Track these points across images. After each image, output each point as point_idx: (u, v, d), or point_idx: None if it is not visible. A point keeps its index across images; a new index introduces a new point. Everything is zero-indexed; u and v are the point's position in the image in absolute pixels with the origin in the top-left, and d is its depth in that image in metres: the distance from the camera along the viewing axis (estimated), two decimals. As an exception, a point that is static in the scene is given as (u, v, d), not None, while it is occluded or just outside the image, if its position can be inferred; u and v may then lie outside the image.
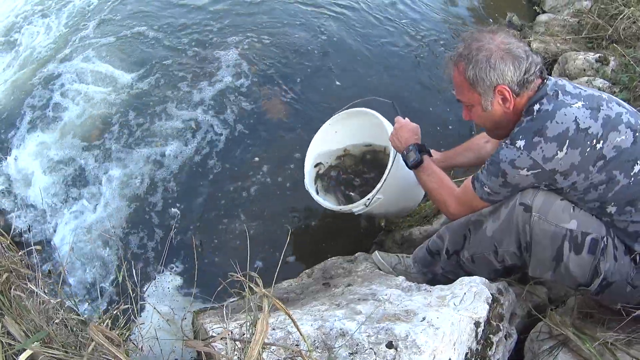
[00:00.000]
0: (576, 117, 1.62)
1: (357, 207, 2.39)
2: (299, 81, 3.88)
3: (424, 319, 1.52)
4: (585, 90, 1.73)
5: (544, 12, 4.99)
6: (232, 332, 1.26)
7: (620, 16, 4.03)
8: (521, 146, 1.68)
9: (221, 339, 1.23)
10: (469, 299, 1.68)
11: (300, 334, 1.17)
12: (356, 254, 2.39)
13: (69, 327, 1.62)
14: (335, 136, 2.89)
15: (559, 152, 1.63)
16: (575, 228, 1.68)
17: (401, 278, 1.92)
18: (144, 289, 2.57)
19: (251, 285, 1.11)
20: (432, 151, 2.46)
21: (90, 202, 3.06)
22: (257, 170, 3.23)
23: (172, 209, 3.01)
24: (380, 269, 2.22)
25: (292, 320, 1.12)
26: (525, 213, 1.74)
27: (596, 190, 1.67)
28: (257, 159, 3.31)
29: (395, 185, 2.38)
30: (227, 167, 3.26)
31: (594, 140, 1.61)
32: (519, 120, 1.76)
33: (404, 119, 2.32)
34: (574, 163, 1.63)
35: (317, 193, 2.71)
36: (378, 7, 4.87)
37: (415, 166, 2.15)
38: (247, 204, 3.05)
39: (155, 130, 3.47)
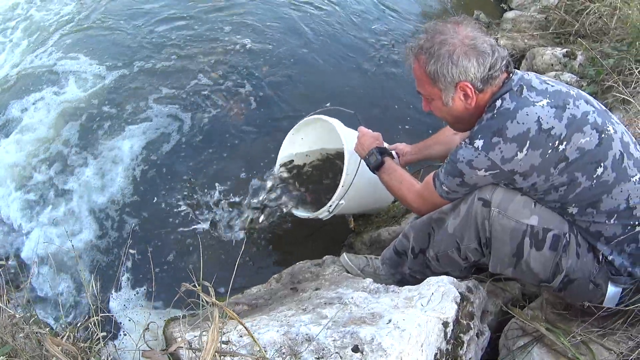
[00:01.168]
0: (539, 117, 1.57)
1: (322, 213, 2.47)
2: (263, 89, 3.83)
3: (389, 321, 1.49)
4: (552, 86, 1.67)
5: (511, 9, 5.04)
6: (189, 342, 1.22)
7: (586, 11, 4.08)
8: (479, 146, 1.63)
9: (178, 348, 1.19)
10: (437, 299, 1.65)
11: (254, 341, 1.13)
12: (324, 257, 2.35)
13: (33, 341, 1.58)
14: (303, 143, 2.87)
15: (518, 153, 1.58)
16: (536, 224, 1.65)
17: (369, 280, 1.89)
18: (112, 301, 2.51)
19: (203, 296, 1.06)
20: (403, 144, 2.50)
21: (54, 215, 2.99)
22: (221, 174, 3.18)
23: (135, 219, 2.95)
24: (348, 272, 2.19)
25: (245, 328, 1.08)
26: (485, 208, 1.70)
27: (557, 191, 1.63)
28: (219, 164, 3.26)
29: (358, 189, 2.39)
30: (192, 171, 3.22)
31: (557, 142, 1.56)
32: (481, 117, 1.71)
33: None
34: (534, 164, 1.59)
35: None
36: (346, 10, 4.86)
37: (377, 168, 2.13)
38: (212, 211, 2.99)
39: (117, 137, 3.40)
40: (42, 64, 4.04)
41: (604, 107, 1.71)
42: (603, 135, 1.59)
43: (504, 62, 1.69)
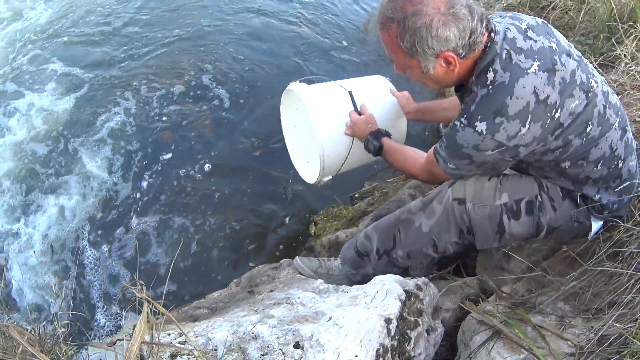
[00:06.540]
0: (535, 87, 1.55)
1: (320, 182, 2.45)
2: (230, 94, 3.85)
3: (330, 319, 1.54)
4: (535, 42, 1.61)
5: (477, 8, 5.05)
6: (129, 335, 1.28)
7: (551, 6, 4.10)
8: (483, 130, 1.60)
9: (118, 340, 1.25)
10: (381, 296, 1.70)
11: (187, 337, 1.18)
12: (281, 261, 2.41)
13: (6, 334, 1.65)
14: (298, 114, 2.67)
15: (522, 128, 1.58)
16: (508, 200, 1.77)
17: (319, 281, 1.94)
18: (77, 302, 2.62)
19: (135, 291, 1.12)
20: (406, 96, 2.47)
21: (27, 218, 3.06)
22: (191, 181, 3.23)
23: (100, 221, 3.04)
24: (301, 274, 2.23)
25: (176, 324, 1.13)
26: (460, 206, 1.81)
27: (552, 153, 1.69)
28: (189, 171, 3.30)
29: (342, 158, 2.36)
30: (159, 179, 3.26)
31: (553, 111, 1.58)
32: (470, 89, 1.66)
33: (358, 111, 2.31)
34: (535, 135, 1.61)
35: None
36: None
37: (379, 153, 2.21)
38: (180, 215, 3.06)
39: (87, 143, 3.45)
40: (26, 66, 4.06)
41: (579, 55, 1.70)
42: (589, 94, 1.63)
43: (484, 23, 1.59)
